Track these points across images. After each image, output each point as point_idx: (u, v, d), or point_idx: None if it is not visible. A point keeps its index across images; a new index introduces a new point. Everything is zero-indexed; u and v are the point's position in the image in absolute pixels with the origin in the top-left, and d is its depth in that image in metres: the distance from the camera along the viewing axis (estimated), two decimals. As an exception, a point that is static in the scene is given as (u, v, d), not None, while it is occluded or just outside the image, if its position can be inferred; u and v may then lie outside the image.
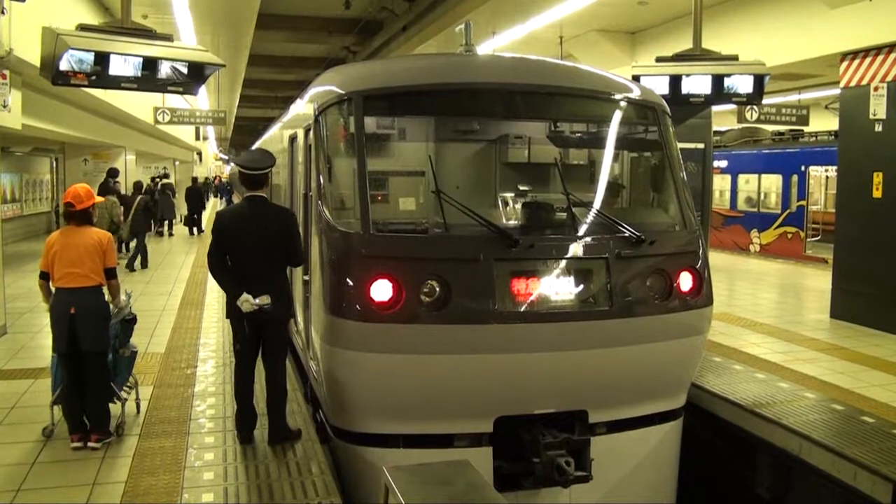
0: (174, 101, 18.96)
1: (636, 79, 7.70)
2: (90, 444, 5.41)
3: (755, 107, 14.03)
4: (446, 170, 6.21)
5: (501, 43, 15.05)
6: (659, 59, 8.74)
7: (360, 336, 4.98)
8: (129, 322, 6.04)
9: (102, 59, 6.43)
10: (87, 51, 6.38)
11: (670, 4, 12.97)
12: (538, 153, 6.48)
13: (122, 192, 17.31)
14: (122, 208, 15.16)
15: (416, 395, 5.14)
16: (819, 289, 12.23)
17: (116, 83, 6.67)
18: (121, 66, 6.55)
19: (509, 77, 5.95)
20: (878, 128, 9.58)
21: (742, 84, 8.51)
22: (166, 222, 22.56)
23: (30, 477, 4.97)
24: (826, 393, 6.90)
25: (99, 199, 6.04)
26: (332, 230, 5.24)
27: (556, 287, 5.23)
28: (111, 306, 5.76)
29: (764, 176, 19.24)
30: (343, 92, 5.62)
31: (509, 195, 6.40)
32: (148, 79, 6.70)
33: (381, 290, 4.91)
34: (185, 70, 6.83)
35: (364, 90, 5.57)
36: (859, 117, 9.81)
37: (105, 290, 5.66)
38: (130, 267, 14.94)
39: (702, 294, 5.69)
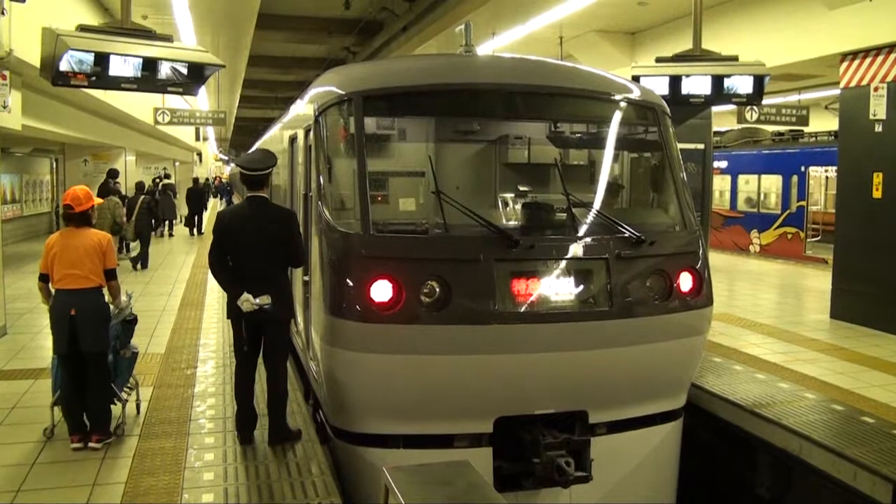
0: (174, 101, 18.96)
1: (636, 79, 7.71)
2: (91, 444, 5.41)
3: (755, 107, 14.05)
4: (446, 170, 6.22)
5: (501, 43, 15.06)
6: (659, 60, 8.75)
7: (360, 336, 4.98)
8: (130, 323, 6.05)
9: (102, 59, 6.44)
10: (87, 51, 6.38)
11: (670, 5, 12.98)
12: (538, 154, 6.48)
13: (123, 192, 17.33)
14: (124, 209, 15.18)
15: (416, 396, 5.14)
16: (819, 289, 12.23)
17: (116, 84, 6.67)
18: (121, 67, 6.55)
19: (509, 78, 5.95)
20: (878, 128, 9.58)
21: (742, 84, 8.52)
22: (166, 223, 22.56)
23: (30, 477, 4.97)
24: (826, 393, 6.90)
25: (98, 200, 6.04)
26: (332, 231, 5.24)
27: (557, 287, 5.24)
28: (111, 307, 5.76)
29: (764, 176, 19.24)
30: (343, 92, 5.63)
31: (509, 196, 6.41)
32: (148, 79, 6.70)
33: (381, 291, 4.91)
34: (184, 71, 6.83)
35: (364, 91, 5.57)
36: (859, 118, 9.82)
37: (105, 291, 5.67)
38: (135, 266, 15.02)
39: (702, 294, 5.69)
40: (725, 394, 6.78)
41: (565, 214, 5.66)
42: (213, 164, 56.37)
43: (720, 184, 20.03)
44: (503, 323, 5.03)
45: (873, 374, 7.56)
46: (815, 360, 8.07)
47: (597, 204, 5.91)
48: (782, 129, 17.95)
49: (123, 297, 5.93)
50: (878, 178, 9.62)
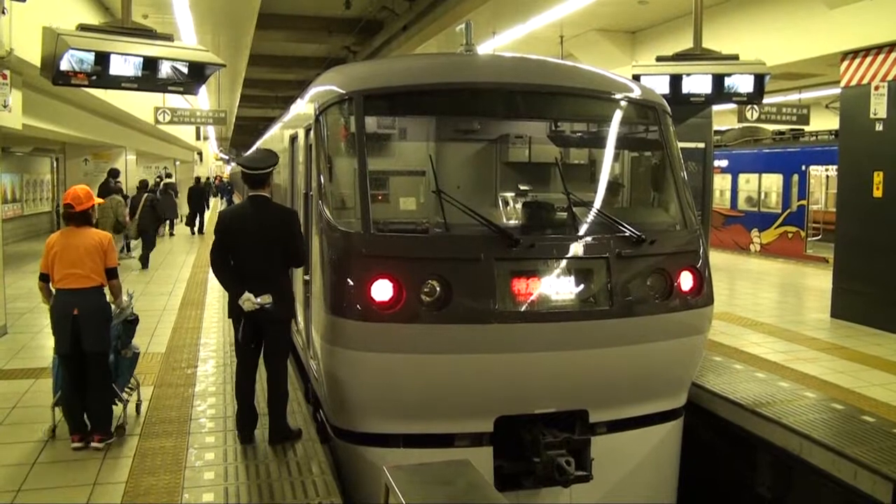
0: (175, 100, 18.96)
1: (636, 78, 7.70)
2: (93, 444, 5.41)
3: (755, 106, 14.03)
4: (447, 169, 6.21)
5: (502, 43, 15.05)
6: (659, 59, 8.75)
7: (360, 336, 4.98)
8: (132, 323, 6.05)
9: (103, 58, 6.44)
10: (88, 51, 6.39)
11: (670, 4, 12.96)
12: (539, 153, 6.48)
13: (125, 192, 17.34)
14: (127, 208, 15.20)
15: (416, 395, 5.14)
16: (819, 288, 12.23)
17: (117, 83, 6.68)
18: (121, 66, 6.56)
19: (510, 77, 5.95)
20: (879, 127, 9.58)
21: (742, 83, 8.52)
22: (167, 222, 22.57)
23: (30, 477, 4.97)
24: (826, 392, 6.90)
25: (98, 200, 6.04)
26: (333, 230, 5.24)
27: (557, 287, 5.23)
28: (113, 307, 5.76)
29: (764, 175, 19.23)
30: (344, 91, 5.63)
31: (510, 195, 6.40)
32: (148, 79, 6.70)
33: (382, 290, 4.91)
34: (185, 70, 6.84)
35: (365, 90, 5.57)
36: (860, 117, 9.81)
37: (106, 290, 5.66)
38: (144, 264, 15.12)
39: (702, 293, 5.69)
40: (726, 393, 6.78)
41: (566, 213, 5.66)
42: (213, 163, 56.36)
43: (721, 183, 20.01)
44: (503, 322, 5.02)
45: (874, 374, 7.56)
46: (815, 360, 8.07)
47: (597, 203, 5.90)
48: (783, 128, 17.93)
49: (125, 297, 5.93)
50: (878, 178, 9.62)
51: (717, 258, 15.86)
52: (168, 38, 7.03)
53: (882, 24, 9.37)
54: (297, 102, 7.71)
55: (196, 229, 23.13)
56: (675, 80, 8.41)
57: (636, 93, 6.26)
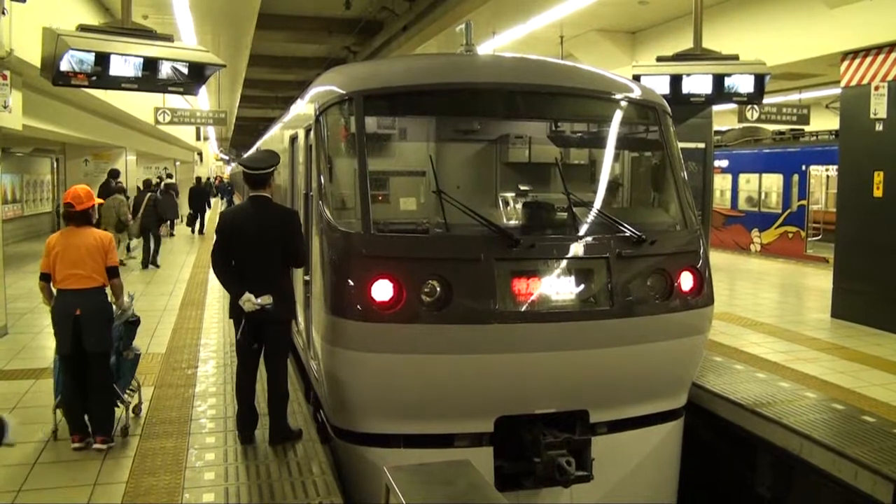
0: (175, 101, 18.96)
1: (637, 78, 7.70)
2: (95, 445, 5.39)
3: (756, 106, 14.02)
4: (447, 170, 6.22)
5: (502, 43, 15.05)
6: (659, 59, 8.75)
7: (360, 336, 4.98)
8: (133, 324, 6.04)
9: (103, 59, 6.45)
10: (88, 51, 6.39)
11: (670, 4, 12.97)
12: (539, 153, 6.48)
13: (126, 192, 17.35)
14: (129, 207, 15.22)
15: (416, 395, 5.14)
16: (820, 288, 12.23)
17: (117, 83, 6.68)
18: (121, 67, 6.56)
19: (510, 77, 5.95)
20: (879, 127, 9.58)
21: (743, 83, 8.52)
22: (168, 222, 22.58)
23: (31, 477, 4.97)
24: (827, 392, 6.89)
25: (98, 200, 6.03)
26: (333, 230, 5.24)
27: (557, 287, 5.23)
28: (114, 308, 5.75)
29: (765, 175, 19.23)
30: (344, 92, 5.63)
31: (510, 195, 6.40)
32: (148, 79, 6.71)
33: (382, 290, 4.91)
34: (185, 70, 6.84)
35: (365, 90, 5.57)
36: (860, 116, 9.81)
37: (108, 290, 5.66)
38: (155, 264, 15.25)
39: (702, 294, 5.69)
40: (726, 393, 6.78)
41: (566, 214, 5.66)
42: (213, 163, 56.38)
43: (721, 183, 20.01)
44: (504, 322, 5.03)
45: (874, 373, 7.56)
46: (815, 360, 8.06)
47: (597, 203, 5.91)
48: (783, 128, 17.93)
49: (126, 298, 5.93)
50: (878, 177, 9.62)
51: (717, 258, 15.85)
52: (168, 38, 7.03)
53: (882, 24, 9.37)
54: (297, 103, 7.71)
55: (196, 230, 23.13)
56: (676, 81, 8.42)
57: (636, 93, 6.26)
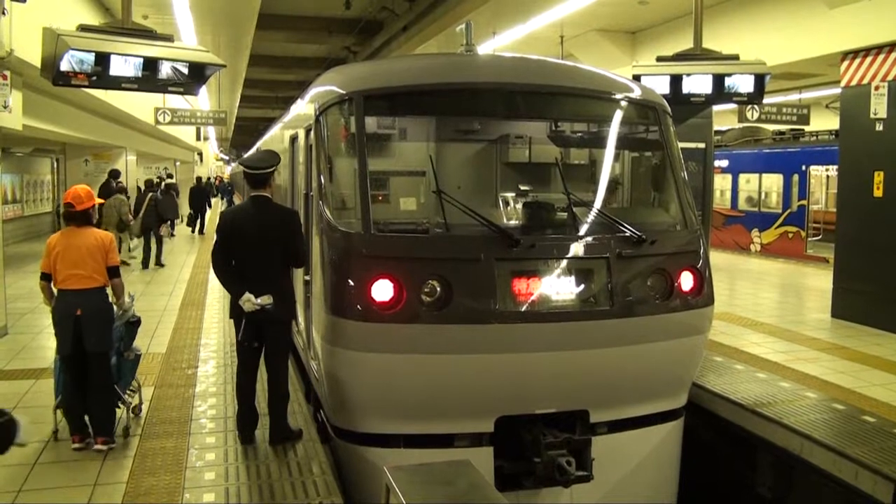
0: (175, 101, 18.95)
1: (637, 78, 7.70)
2: (96, 446, 5.38)
3: (756, 106, 14.02)
4: (447, 170, 6.22)
5: (502, 43, 15.05)
6: (659, 59, 8.75)
7: (360, 336, 4.98)
8: (134, 324, 6.04)
9: (103, 59, 6.44)
10: (88, 51, 6.39)
11: (670, 4, 12.96)
12: (539, 153, 6.48)
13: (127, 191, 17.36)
14: (130, 206, 15.23)
15: (417, 395, 5.14)
16: (820, 288, 12.23)
17: (117, 84, 6.68)
18: (121, 67, 6.56)
19: (510, 77, 5.94)
20: (879, 127, 9.58)
21: (743, 83, 8.52)
22: (168, 222, 22.56)
23: (31, 477, 4.97)
24: (827, 392, 6.89)
25: (98, 200, 6.03)
26: (333, 230, 5.24)
27: (557, 287, 5.23)
28: (115, 308, 5.75)
29: (765, 175, 19.23)
30: (344, 92, 5.63)
31: (510, 195, 6.40)
32: (148, 79, 6.71)
33: (382, 290, 4.91)
34: (185, 70, 6.84)
35: (365, 90, 5.57)
36: (860, 116, 9.81)
37: (109, 290, 5.66)
38: (160, 263, 15.36)
39: (703, 294, 5.69)
40: (726, 393, 6.77)
41: (566, 214, 5.66)
42: (213, 163, 56.39)
43: (721, 183, 20.01)
44: (504, 322, 5.02)
45: (874, 374, 7.56)
46: (816, 360, 8.06)
47: (598, 203, 5.91)
48: (783, 127, 17.93)
49: (126, 299, 5.92)
50: (878, 177, 9.62)
51: (717, 258, 15.85)
52: (168, 38, 7.03)
53: (882, 24, 9.37)
54: (297, 103, 7.71)
55: (196, 230, 23.12)
56: (676, 80, 8.42)
57: (636, 93, 6.26)
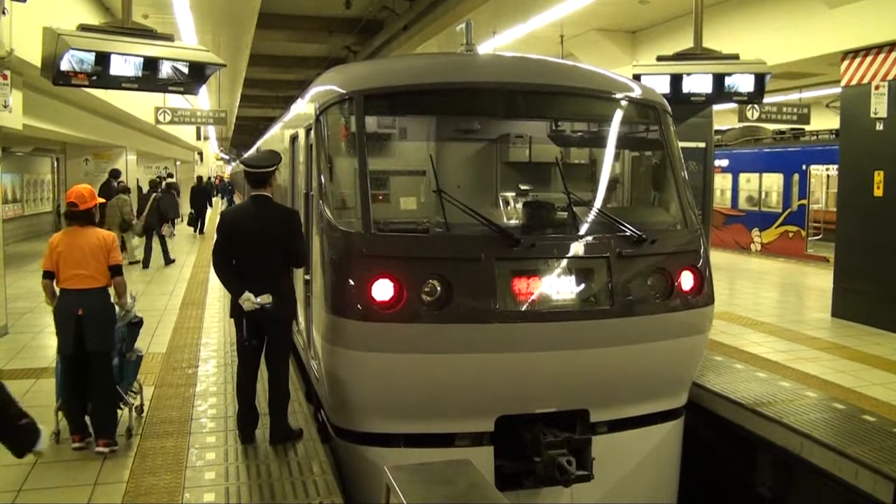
0: (175, 100, 18.96)
1: (637, 78, 7.70)
2: (98, 448, 5.34)
3: (756, 106, 14.03)
4: (447, 169, 6.22)
5: (502, 42, 15.05)
6: (660, 59, 8.75)
7: (361, 335, 4.98)
8: (136, 325, 6.03)
9: (103, 59, 6.44)
10: (88, 51, 6.39)
11: (671, 3, 12.96)
12: (539, 152, 6.48)
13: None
14: (132, 206, 15.24)
15: (417, 395, 5.14)
16: (820, 287, 12.23)
17: (117, 83, 6.68)
18: (121, 66, 6.56)
19: (510, 76, 5.94)
20: (879, 126, 9.58)
21: (743, 83, 8.52)
22: (170, 221, 22.55)
23: (31, 477, 4.97)
24: (827, 392, 6.89)
25: (100, 199, 6.03)
26: (334, 229, 5.24)
27: (558, 286, 5.23)
28: (117, 308, 5.74)
29: (765, 175, 19.22)
30: (344, 91, 5.63)
31: (510, 194, 6.40)
32: (149, 79, 6.70)
33: (383, 290, 4.91)
34: (185, 70, 6.84)
35: (365, 89, 5.57)
36: (860, 116, 9.81)
37: (111, 291, 5.65)
38: (168, 261, 15.52)
39: (703, 293, 5.69)
40: (726, 392, 6.77)
41: (566, 213, 5.66)
42: (213, 163, 56.39)
43: (721, 182, 20.01)
44: (504, 322, 5.02)
45: (874, 373, 7.56)
46: (816, 359, 8.06)
47: (598, 202, 5.91)
48: (783, 127, 17.93)
49: (128, 299, 5.92)
50: (879, 177, 9.62)
51: (717, 257, 15.85)
52: (168, 38, 7.03)
53: (882, 24, 9.36)
54: (297, 102, 7.71)
55: (197, 229, 23.12)
56: (676, 80, 8.41)
57: (636, 92, 6.26)
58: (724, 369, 7.57)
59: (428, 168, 5.75)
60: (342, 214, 5.32)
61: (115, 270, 5.58)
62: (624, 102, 6.18)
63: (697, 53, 8.80)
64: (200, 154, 39.96)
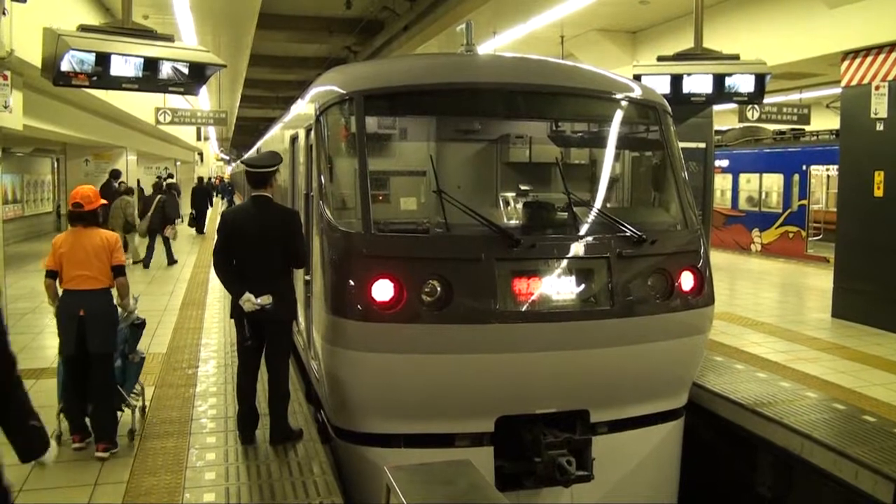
0: (175, 101, 18.96)
1: (637, 78, 7.70)
2: (98, 453, 5.31)
3: (756, 106, 14.03)
4: (447, 169, 6.22)
5: (502, 43, 15.05)
6: (660, 59, 8.75)
7: (361, 336, 4.98)
8: (138, 327, 6.02)
9: (103, 59, 6.45)
10: (89, 51, 6.39)
11: (671, 4, 12.96)
12: (539, 153, 6.48)
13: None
14: (135, 208, 15.23)
15: (417, 395, 5.14)
16: (820, 288, 12.22)
17: (117, 84, 6.68)
18: (122, 67, 6.57)
19: (510, 77, 5.95)
20: (880, 127, 9.58)
21: (743, 83, 8.52)
22: (173, 223, 22.52)
23: (31, 477, 4.96)
24: (827, 392, 6.89)
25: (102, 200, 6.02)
26: (334, 230, 5.24)
27: (558, 287, 5.23)
28: (119, 310, 5.73)
29: (765, 175, 19.22)
30: (344, 92, 5.63)
31: (510, 195, 6.40)
32: (149, 79, 6.71)
33: (383, 290, 4.91)
34: (186, 70, 6.84)
35: (365, 90, 5.57)
36: (860, 116, 9.81)
37: (114, 291, 5.64)
38: (172, 261, 15.55)
39: (703, 293, 5.69)
40: (727, 393, 6.77)
41: (566, 213, 5.66)
42: (214, 163, 56.42)
43: (721, 182, 20.00)
44: (504, 322, 5.02)
45: (875, 373, 7.56)
46: (816, 359, 8.06)
47: (598, 203, 5.91)
48: (783, 127, 17.93)
49: (131, 301, 5.91)
50: (879, 177, 9.61)
51: (717, 258, 15.84)
52: (168, 38, 7.04)
53: (882, 24, 9.36)
54: (297, 103, 7.71)
55: (197, 229, 23.12)
56: (676, 80, 8.42)
57: (637, 92, 6.26)
58: (725, 370, 7.57)
59: (428, 168, 5.75)
60: (342, 215, 5.32)
61: (118, 271, 5.57)
62: (624, 103, 6.18)
63: (697, 54, 8.80)
64: (201, 154, 39.99)
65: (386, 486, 3.74)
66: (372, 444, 5.23)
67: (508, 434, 5.28)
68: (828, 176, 18.28)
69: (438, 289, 4.97)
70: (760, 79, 8.50)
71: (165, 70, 6.75)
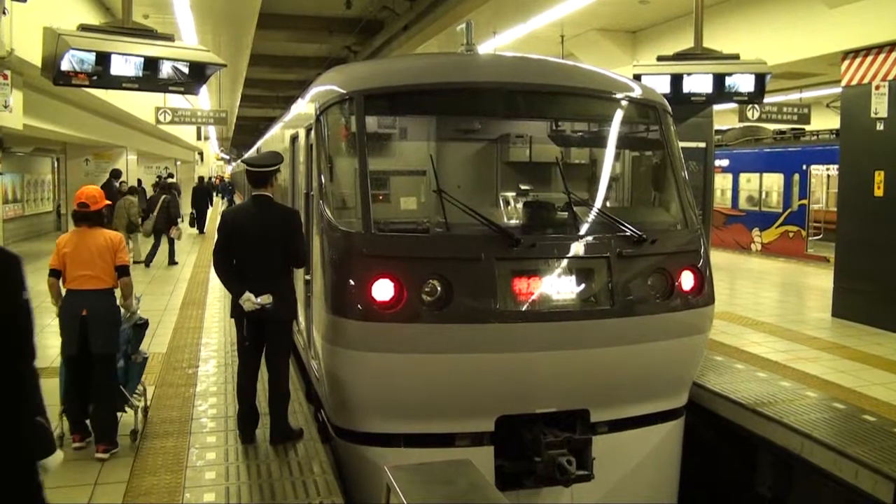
0: (175, 100, 18.98)
1: (637, 78, 7.71)
2: (97, 454, 5.30)
3: (756, 105, 14.03)
4: (448, 169, 6.22)
5: (502, 42, 15.05)
6: (660, 59, 8.75)
7: (361, 335, 4.99)
8: (141, 327, 6.02)
9: (104, 59, 6.45)
10: (89, 51, 6.40)
11: (671, 3, 12.96)
12: (539, 152, 6.48)
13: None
14: (139, 208, 15.25)
15: (417, 395, 5.14)
16: (821, 287, 12.22)
17: (118, 83, 6.69)
18: (122, 66, 6.57)
19: (510, 76, 5.95)
20: (880, 126, 9.58)
21: (743, 83, 8.52)
22: (177, 223, 22.52)
23: (32, 477, 4.97)
24: (827, 392, 6.89)
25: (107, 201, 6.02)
26: (334, 229, 5.24)
27: (558, 286, 5.23)
28: (122, 310, 5.73)
29: (765, 175, 19.23)
30: (344, 91, 5.63)
31: (511, 194, 6.40)
32: (149, 79, 6.71)
33: (383, 290, 4.91)
34: (186, 70, 6.85)
35: (365, 89, 5.57)
36: (861, 116, 9.81)
37: (117, 291, 5.64)
38: (173, 261, 15.59)
39: (703, 293, 5.69)
40: (727, 392, 6.77)
41: (566, 213, 5.66)
42: (214, 163, 56.41)
43: (722, 182, 20.01)
44: (504, 322, 5.02)
45: (875, 373, 7.56)
46: (816, 359, 8.06)
47: (598, 202, 5.91)
48: (784, 127, 17.93)
49: (133, 301, 5.90)
50: (879, 177, 9.61)
51: (718, 257, 15.83)
52: (169, 38, 7.04)
53: (882, 24, 9.36)
54: (297, 102, 7.71)
55: (197, 229, 23.12)
56: (676, 80, 8.42)
57: (637, 92, 6.26)
58: (725, 369, 7.57)
59: (428, 168, 5.75)
60: (342, 214, 5.32)
61: (122, 271, 5.56)
62: (624, 102, 6.18)
63: (698, 53, 8.80)
64: (201, 154, 40.00)
65: (386, 486, 3.74)
66: (372, 444, 5.23)
67: (508, 434, 5.28)
68: (828, 175, 18.27)
69: (438, 288, 4.97)
70: (760, 78, 8.50)
71: (166, 69, 6.75)
